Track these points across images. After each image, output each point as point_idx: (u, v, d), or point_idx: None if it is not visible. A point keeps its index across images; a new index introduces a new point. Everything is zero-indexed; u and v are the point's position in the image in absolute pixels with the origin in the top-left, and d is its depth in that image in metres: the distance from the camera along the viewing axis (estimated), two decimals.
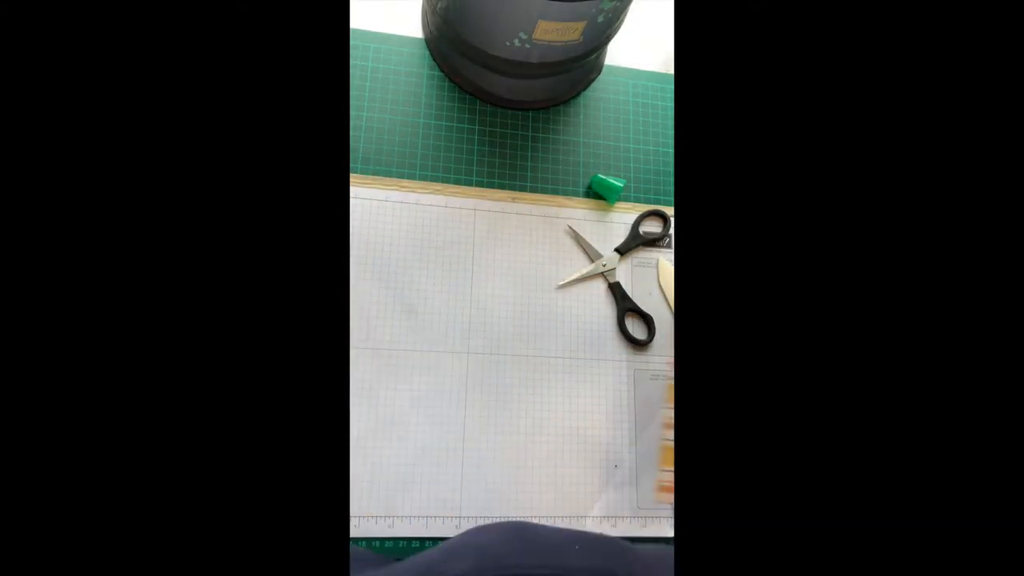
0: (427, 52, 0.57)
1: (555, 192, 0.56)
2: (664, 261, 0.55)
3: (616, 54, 0.61)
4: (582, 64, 0.53)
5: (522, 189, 0.55)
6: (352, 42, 0.55)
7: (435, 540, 0.46)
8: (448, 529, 0.46)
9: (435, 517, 0.46)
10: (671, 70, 0.62)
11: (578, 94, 0.59)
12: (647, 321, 0.53)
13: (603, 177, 0.55)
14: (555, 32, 0.46)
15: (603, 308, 0.53)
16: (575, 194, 0.56)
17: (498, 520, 0.47)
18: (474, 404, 0.49)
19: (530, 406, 0.50)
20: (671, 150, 0.59)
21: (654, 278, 0.55)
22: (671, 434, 0.32)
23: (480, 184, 0.54)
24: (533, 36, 0.47)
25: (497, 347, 0.50)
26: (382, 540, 0.46)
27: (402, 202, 0.52)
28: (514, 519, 0.47)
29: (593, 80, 0.59)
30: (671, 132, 0.60)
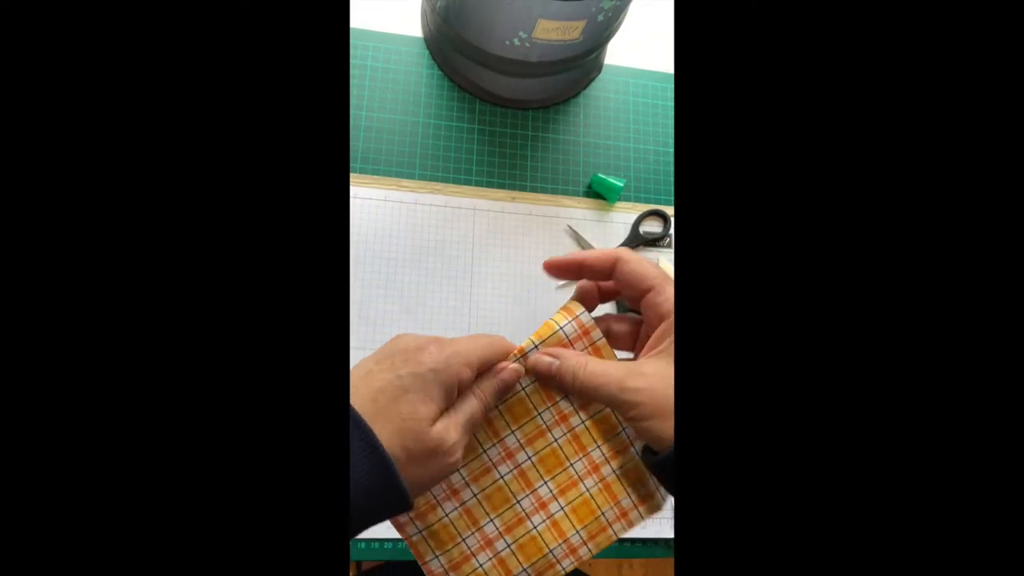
0: (427, 51, 0.57)
1: (555, 192, 0.56)
2: (664, 261, 0.55)
3: (616, 54, 0.61)
4: (582, 63, 0.53)
5: (522, 189, 0.55)
6: (352, 41, 0.55)
7: None
8: None
9: None
10: (671, 70, 0.62)
11: (578, 93, 0.59)
12: None
13: (603, 177, 0.55)
14: (555, 31, 0.46)
15: (603, 308, 0.53)
16: (575, 194, 0.56)
17: None
18: None
19: None
20: (671, 150, 0.59)
21: None
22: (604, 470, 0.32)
23: (479, 184, 0.54)
24: (533, 35, 0.47)
25: None
26: (382, 541, 0.46)
27: (401, 202, 0.52)
28: None
29: (593, 79, 0.59)
30: (671, 132, 0.60)
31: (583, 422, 0.33)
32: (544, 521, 0.33)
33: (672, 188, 0.58)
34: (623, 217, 0.56)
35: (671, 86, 0.61)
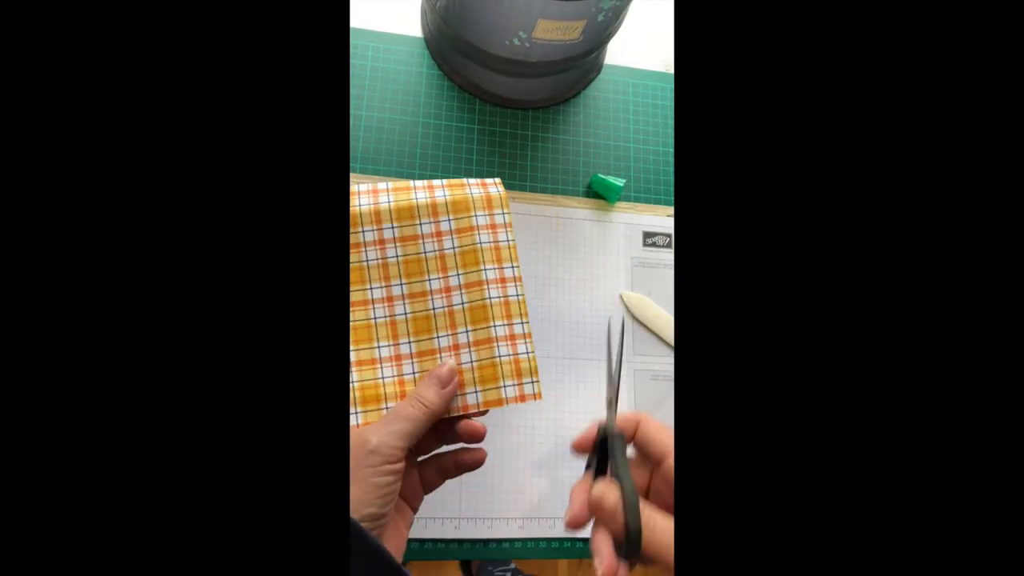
0: (427, 51, 0.57)
1: (555, 192, 0.56)
2: (628, 293, 0.54)
3: (616, 54, 0.60)
4: (582, 63, 0.53)
5: (522, 189, 0.55)
6: (352, 41, 0.55)
7: (434, 542, 0.46)
8: (447, 530, 0.46)
9: (434, 518, 0.46)
10: (671, 70, 0.62)
11: (578, 93, 0.59)
12: None
13: (603, 177, 0.55)
14: (555, 31, 0.46)
15: (604, 309, 0.53)
16: (575, 194, 0.56)
17: (496, 519, 0.47)
18: None
19: (530, 406, 0.50)
20: (671, 150, 0.59)
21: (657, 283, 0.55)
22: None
23: None
24: (533, 35, 0.47)
25: None
26: None
27: None
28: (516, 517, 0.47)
29: (593, 79, 0.59)
30: (671, 132, 0.60)
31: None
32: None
33: (672, 188, 0.58)
34: (623, 217, 0.56)
35: (671, 86, 0.61)
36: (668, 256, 0.56)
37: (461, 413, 0.36)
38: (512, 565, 0.90)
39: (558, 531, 0.48)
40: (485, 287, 0.37)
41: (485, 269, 0.37)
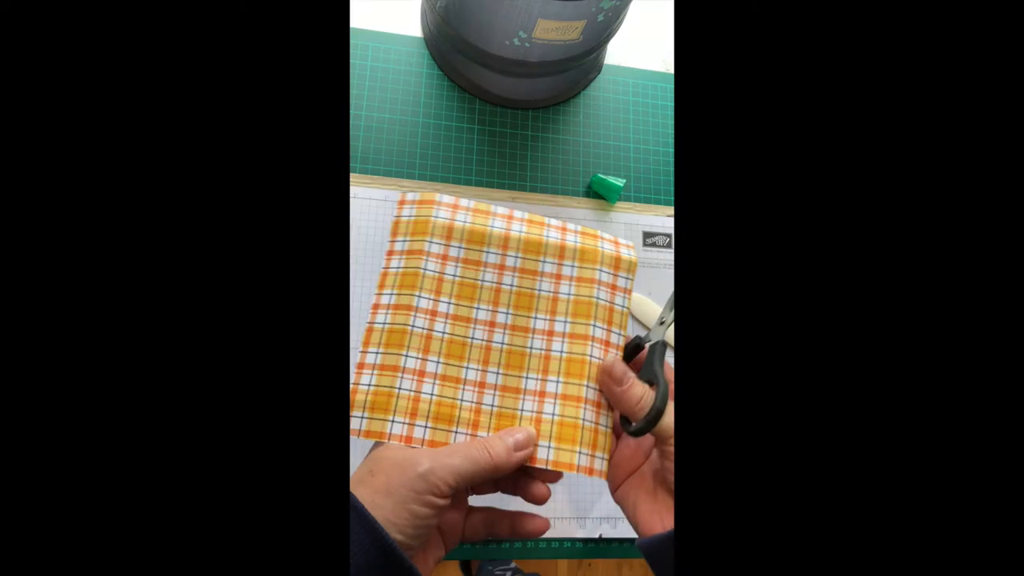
0: (426, 51, 0.57)
1: (555, 192, 0.56)
2: (635, 295, 0.53)
3: (616, 54, 0.61)
4: (582, 63, 0.53)
5: (522, 189, 0.55)
6: (352, 41, 0.55)
7: None
8: None
9: None
10: (671, 70, 0.62)
11: (578, 93, 0.59)
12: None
13: (603, 177, 0.55)
14: (555, 31, 0.46)
15: None
16: (575, 194, 0.56)
17: None
18: None
19: None
20: (671, 150, 0.59)
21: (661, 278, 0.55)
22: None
23: (479, 184, 0.54)
24: (533, 35, 0.47)
25: None
26: None
27: None
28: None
29: (593, 79, 0.59)
30: (671, 132, 0.60)
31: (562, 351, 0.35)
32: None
33: (672, 188, 0.58)
34: (623, 217, 0.56)
35: (671, 86, 0.61)
36: (668, 256, 0.56)
37: (529, 465, 0.33)
38: (512, 565, 0.90)
39: (558, 531, 0.48)
40: (589, 344, 0.35)
41: (594, 325, 0.35)
